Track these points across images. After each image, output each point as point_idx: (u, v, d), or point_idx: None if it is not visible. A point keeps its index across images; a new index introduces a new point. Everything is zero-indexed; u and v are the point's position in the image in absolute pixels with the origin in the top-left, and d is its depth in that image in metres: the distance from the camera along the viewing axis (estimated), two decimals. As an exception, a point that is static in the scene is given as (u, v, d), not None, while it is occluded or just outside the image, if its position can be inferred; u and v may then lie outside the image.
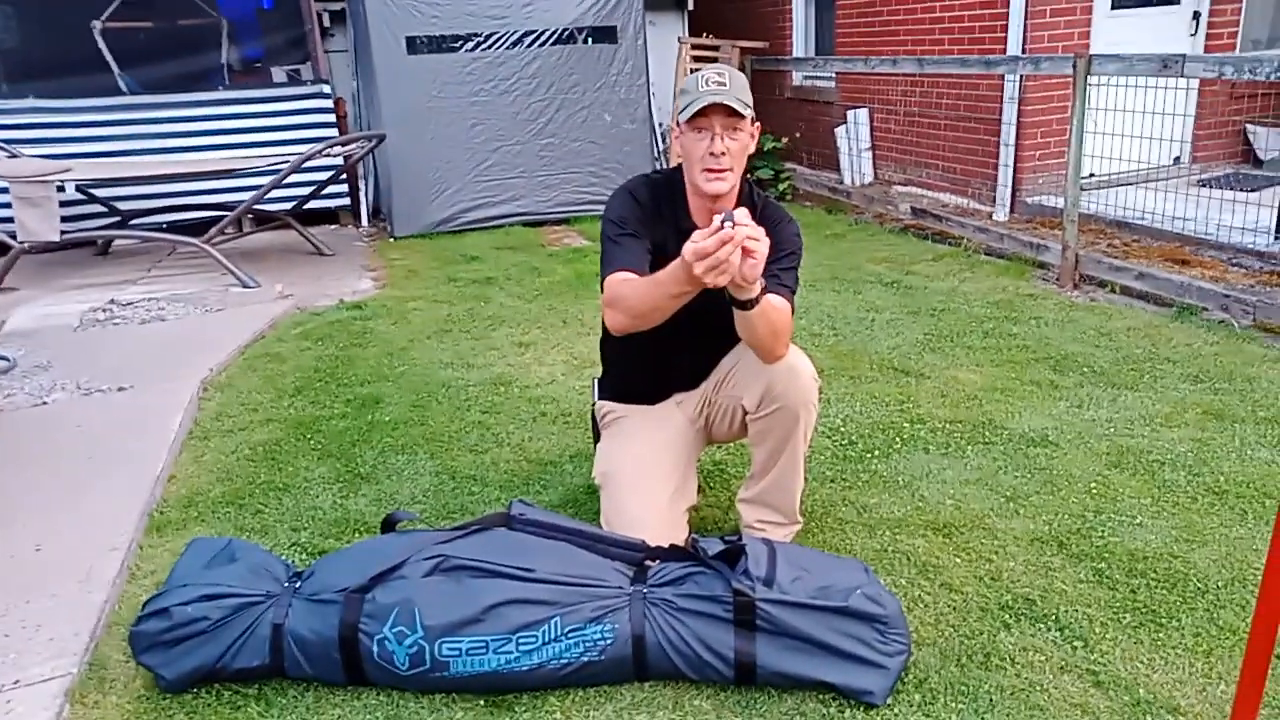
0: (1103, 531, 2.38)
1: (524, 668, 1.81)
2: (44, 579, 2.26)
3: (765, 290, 1.92)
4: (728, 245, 1.72)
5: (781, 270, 2.10)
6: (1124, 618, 2.04)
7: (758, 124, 2.15)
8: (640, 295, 1.97)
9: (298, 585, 1.91)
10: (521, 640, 1.80)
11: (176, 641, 1.83)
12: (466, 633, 1.79)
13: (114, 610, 2.17)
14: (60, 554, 2.38)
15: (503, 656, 1.79)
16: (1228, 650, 1.91)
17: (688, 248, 1.76)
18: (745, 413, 2.19)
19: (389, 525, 2.08)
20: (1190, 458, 2.75)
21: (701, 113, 2.00)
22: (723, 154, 2.03)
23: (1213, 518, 2.43)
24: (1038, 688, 1.84)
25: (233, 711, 1.84)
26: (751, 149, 2.13)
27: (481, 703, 1.84)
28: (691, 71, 7.54)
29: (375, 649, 1.81)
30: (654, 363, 2.30)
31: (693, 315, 2.05)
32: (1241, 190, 5.31)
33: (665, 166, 7.51)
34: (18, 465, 2.97)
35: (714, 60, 7.48)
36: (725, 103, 1.98)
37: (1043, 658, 1.92)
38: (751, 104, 2.07)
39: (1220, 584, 2.14)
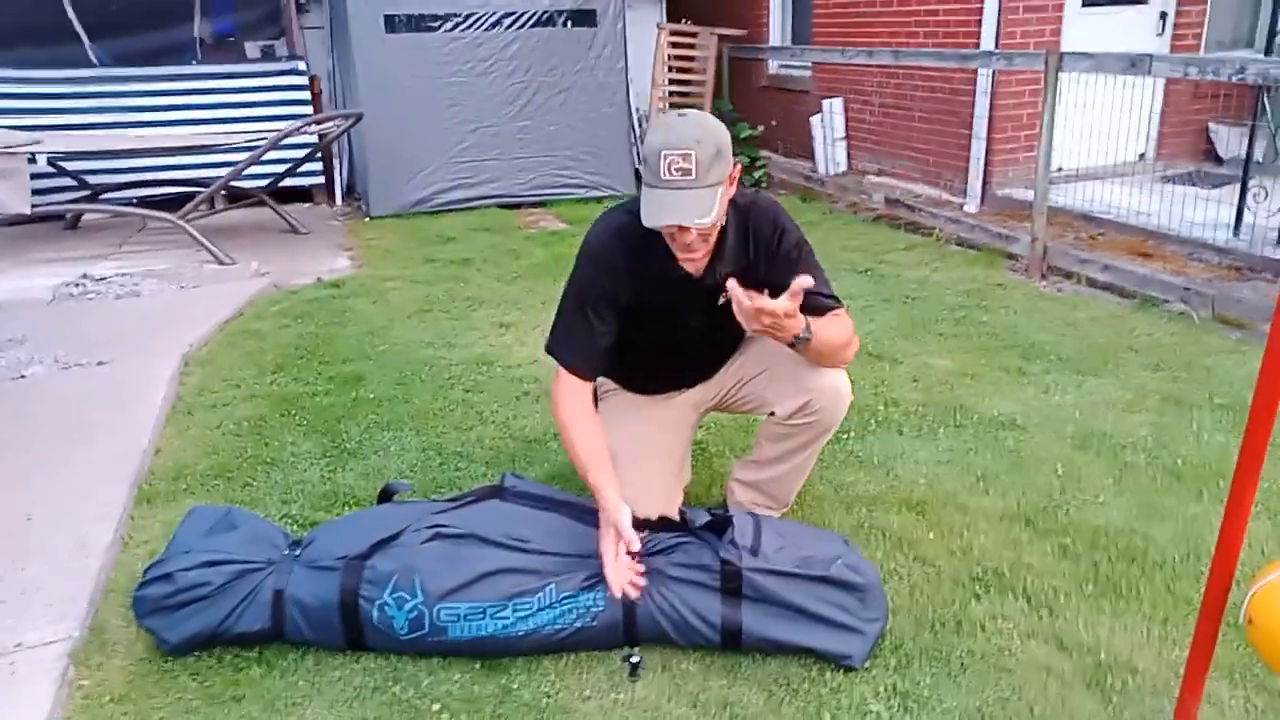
0: (1068, 509, 2.50)
1: (519, 633, 1.87)
2: (38, 547, 2.29)
3: (807, 323, 1.88)
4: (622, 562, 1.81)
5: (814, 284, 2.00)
6: (1087, 588, 2.15)
7: (737, 165, 1.91)
8: (571, 447, 1.96)
9: (297, 553, 1.96)
10: (517, 606, 1.86)
11: (179, 606, 1.87)
12: (464, 599, 1.85)
13: (110, 577, 2.20)
14: (52, 523, 2.40)
15: (499, 622, 1.86)
16: (1182, 618, 2.02)
17: (605, 542, 1.82)
18: (772, 415, 2.19)
19: (386, 496, 2.14)
20: (1150, 441, 2.88)
21: None
22: (689, 244, 1.90)
23: (1171, 497, 2.55)
24: (1006, 652, 1.94)
25: (235, 674, 1.89)
26: (732, 192, 1.92)
27: (478, 665, 1.91)
28: (669, 62, 7.58)
29: (375, 614, 1.86)
30: (656, 372, 2.27)
31: (702, 337, 2.08)
32: (1203, 187, 5.48)
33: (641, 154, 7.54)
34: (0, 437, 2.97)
35: (691, 47, 7.52)
36: (683, 225, 1.81)
37: (1011, 625, 2.03)
38: (727, 161, 1.83)
39: (1177, 558, 2.26)
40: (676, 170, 1.77)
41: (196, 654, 1.92)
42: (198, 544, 1.95)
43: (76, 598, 2.07)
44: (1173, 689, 1.77)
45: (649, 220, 1.81)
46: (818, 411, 2.12)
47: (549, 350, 2.05)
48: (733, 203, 1.97)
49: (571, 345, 2.02)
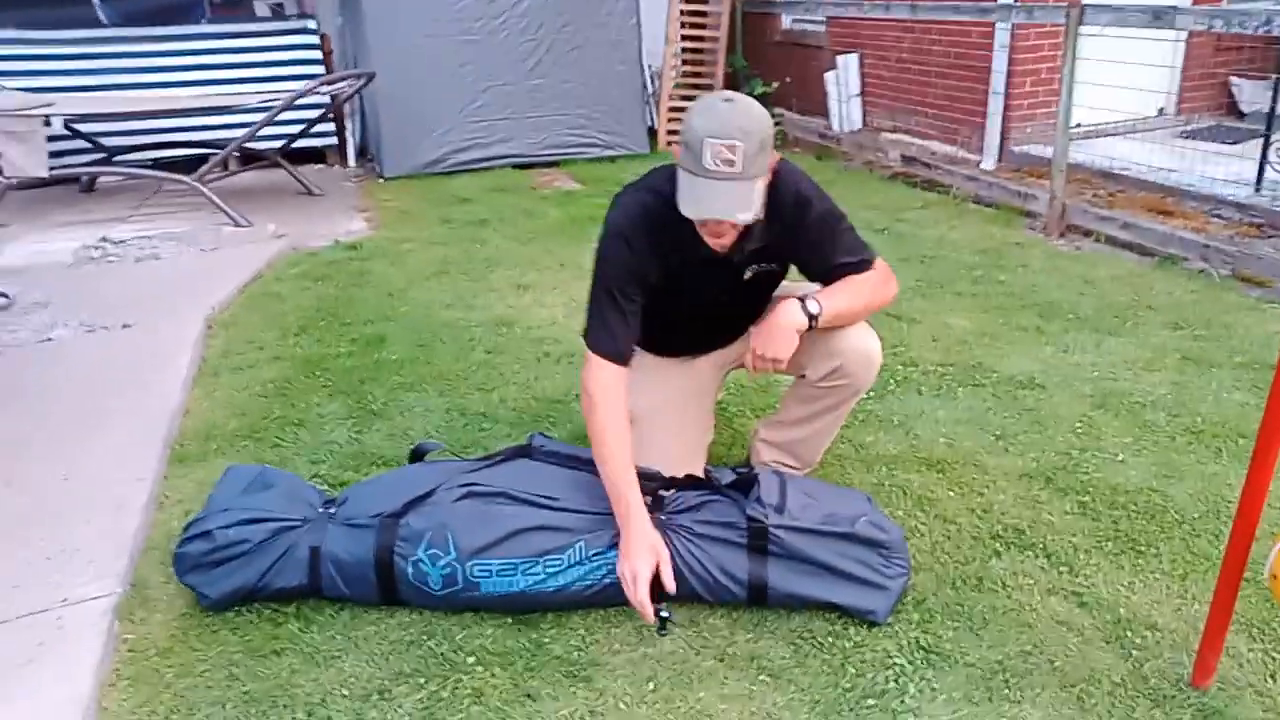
0: (1087, 468, 2.52)
1: (550, 588, 1.91)
2: (76, 507, 2.34)
3: (815, 315, 1.92)
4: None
5: (838, 254, 2.01)
6: (1106, 546, 2.18)
7: (776, 155, 1.86)
8: (603, 458, 1.92)
9: (333, 511, 2.00)
10: (548, 563, 1.90)
11: (218, 563, 1.93)
12: (496, 555, 1.90)
13: (148, 536, 2.26)
14: (88, 484, 2.45)
15: (531, 578, 1.90)
16: (1202, 574, 2.06)
17: (628, 583, 1.81)
18: (802, 377, 2.20)
19: (418, 455, 2.18)
20: (1170, 400, 2.89)
21: None
22: (721, 231, 1.86)
23: (1190, 455, 2.57)
24: (1027, 608, 1.98)
25: (274, 628, 1.94)
26: (769, 179, 1.87)
27: (509, 620, 1.95)
28: (682, 18, 7.46)
29: (410, 570, 1.91)
30: (681, 339, 2.28)
31: (727, 309, 2.09)
32: (1223, 142, 5.42)
33: (654, 112, 7.48)
34: (30, 400, 3.02)
35: (704, 1, 7.40)
36: (724, 220, 1.79)
37: (1031, 581, 2.06)
38: (770, 152, 1.80)
39: (1196, 515, 2.28)
40: (721, 161, 1.72)
41: (236, 609, 1.98)
42: (235, 502, 2.00)
43: (117, 555, 2.13)
44: (1191, 644, 1.80)
45: (688, 210, 1.78)
46: (849, 375, 2.14)
47: (588, 344, 1.99)
48: (775, 197, 1.93)
49: (608, 334, 1.97)
